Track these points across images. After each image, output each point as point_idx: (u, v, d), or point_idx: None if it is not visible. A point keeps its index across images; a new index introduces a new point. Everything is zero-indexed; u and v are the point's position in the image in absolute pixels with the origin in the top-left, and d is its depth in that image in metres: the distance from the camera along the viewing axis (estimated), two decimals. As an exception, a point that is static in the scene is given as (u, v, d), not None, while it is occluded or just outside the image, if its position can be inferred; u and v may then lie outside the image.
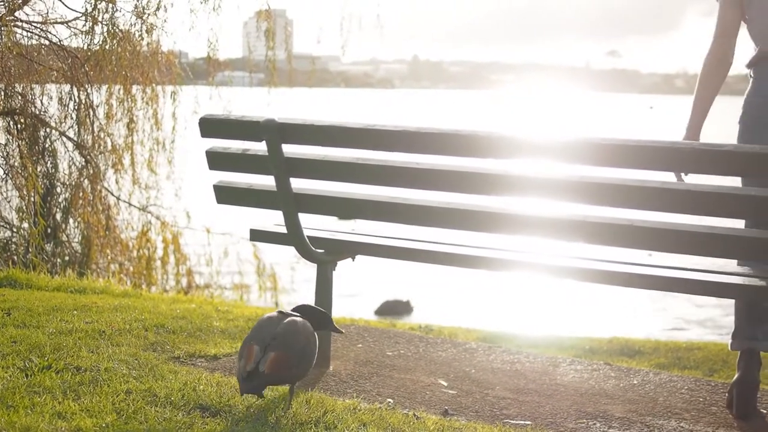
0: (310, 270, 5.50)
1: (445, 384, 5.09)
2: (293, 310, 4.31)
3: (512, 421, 4.51)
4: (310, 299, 5.63)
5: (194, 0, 12.13)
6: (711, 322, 16.40)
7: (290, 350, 3.99)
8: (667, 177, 4.37)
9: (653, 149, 4.15)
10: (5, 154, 11.23)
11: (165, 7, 11.93)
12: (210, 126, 5.27)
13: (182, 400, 4.12)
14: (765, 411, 4.79)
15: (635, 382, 5.30)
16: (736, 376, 4.72)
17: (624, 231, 4.38)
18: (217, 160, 5.31)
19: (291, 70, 13.60)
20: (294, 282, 14.73)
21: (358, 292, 16.82)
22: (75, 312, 6.00)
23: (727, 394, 4.86)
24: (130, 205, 12.67)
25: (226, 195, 5.44)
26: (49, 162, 11.74)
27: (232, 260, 13.88)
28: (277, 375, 3.95)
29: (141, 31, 11.81)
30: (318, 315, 4.35)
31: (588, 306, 16.16)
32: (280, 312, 4.22)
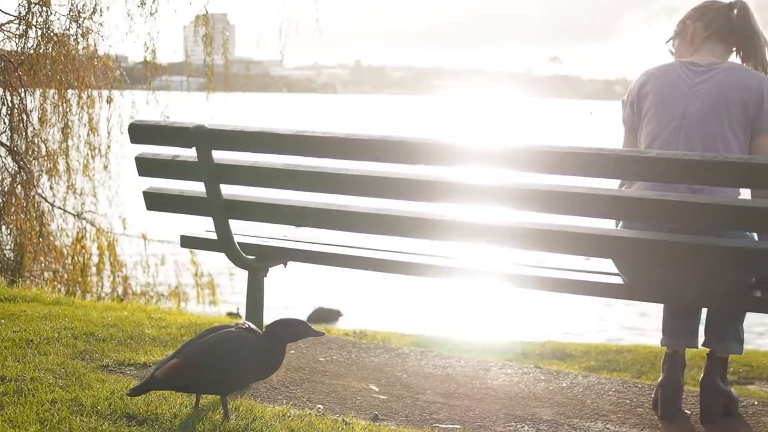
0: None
1: (377, 389, 5.10)
2: (268, 325, 4.21)
3: (441, 426, 4.52)
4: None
5: (131, 3, 12.06)
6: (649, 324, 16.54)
7: (193, 360, 3.94)
8: (597, 183, 4.43)
9: (581, 155, 4.20)
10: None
11: (101, 10, 11.83)
12: (140, 132, 5.24)
13: (109, 409, 4.08)
14: (689, 412, 4.84)
15: (564, 384, 5.34)
16: (660, 377, 4.80)
17: (554, 237, 4.43)
18: (146, 167, 5.29)
19: (228, 75, 13.55)
20: (233, 289, 14.64)
21: (288, 300, 16.74)
22: (2, 321, 5.92)
23: (653, 396, 4.92)
24: (64, 211, 12.52)
25: (155, 201, 5.42)
26: (-20, 168, 11.59)
27: (169, 267, 13.80)
28: (168, 381, 3.93)
29: (77, 35, 11.70)
30: (295, 325, 4.22)
31: (526, 310, 16.22)
32: (237, 324, 4.16)
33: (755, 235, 4.38)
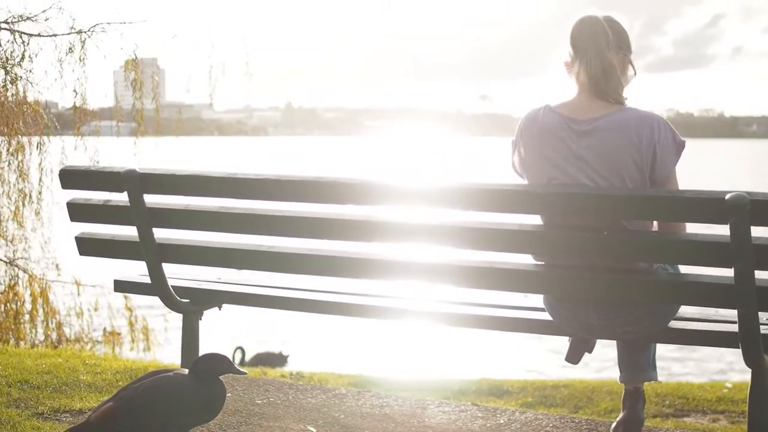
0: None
1: (314, 431, 5.09)
2: (193, 363, 4.16)
3: (380, 465, 4.53)
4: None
5: (61, 50, 12.02)
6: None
7: (124, 404, 3.91)
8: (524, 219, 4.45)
9: (510, 193, 4.25)
10: None
11: (30, 57, 11.81)
12: (71, 177, 5.23)
13: (44, 456, 4.05)
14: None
15: (502, 421, 5.35)
16: (620, 415, 4.62)
17: (484, 274, 4.47)
18: (78, 212, 5.28)
19: (158, 119, 13.50)
20: (167, 332, 14.53)
21: (229, 344, 16.66)
22: (-65, 370, 5.87)
23: None
24: (-4, 259, 12.42)
25: (88, 246, 5.40)
26: None
27: (103, 312, 13.68)
28: (101, 425, 3.90)
29: (5, 81, 11.64)
30: (217, 359, 4.18)
31: (461, 347, 16.28)
32: (174, 371, 4.12)
33: (680, 269, 4.41)
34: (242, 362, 15.50)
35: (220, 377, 4.09)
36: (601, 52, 4.27)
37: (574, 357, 4.63)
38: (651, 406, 7.49)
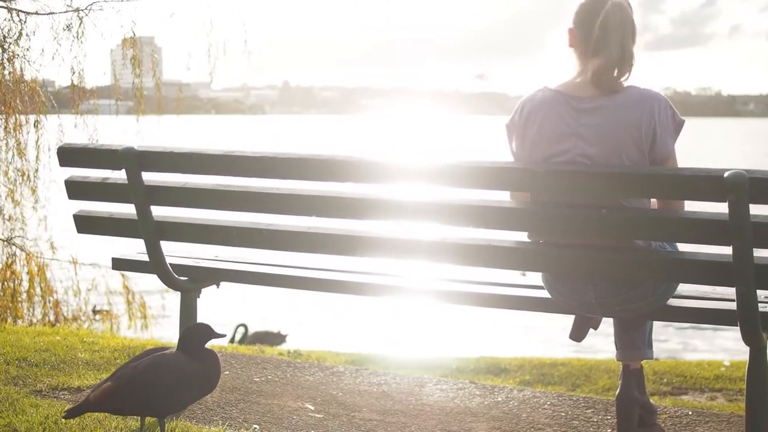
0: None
1: (312, 408, 5.10)
2: (178, 339, 4.17)
3: (378, 443, 4.54)
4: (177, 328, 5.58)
5: (58, 28, 11.96)
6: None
7: (123, 383, 3.92)
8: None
9: (508, 170, 4.25)
10: None
11: (27, 35, 11.75)
12: (69, 155, 5.22)
13: (43, 433, 4.06)
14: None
15: (500, 399, 5.37)
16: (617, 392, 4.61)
17: (483, 251, 4.46)
18: (76, 190, 5.26)
19: (159, 98, 13.44)
20: (165, 310, 14.53)
21: (228, 322, 16.66)
22: (-66, 348, 5.87)
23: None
24: (-7, 237, 12.40)
25: (86, 224, 5.39)
26: None
27: (101, 291, 13.67)
28: (99, 405, 3.91)
29: (2, 59, 11.59)
30: (199, 329, 4.19)
31: (459, 326, 16.29)
32: (170, 349, 4.13)
33: (678, 246, 4.40)
34: (244, 339, 15.51)
35: (216, 354, 4.10)
36: (626, 43, 4.22)
37: (578, 335, 4.62)
38: (649, 385, 7.51)
